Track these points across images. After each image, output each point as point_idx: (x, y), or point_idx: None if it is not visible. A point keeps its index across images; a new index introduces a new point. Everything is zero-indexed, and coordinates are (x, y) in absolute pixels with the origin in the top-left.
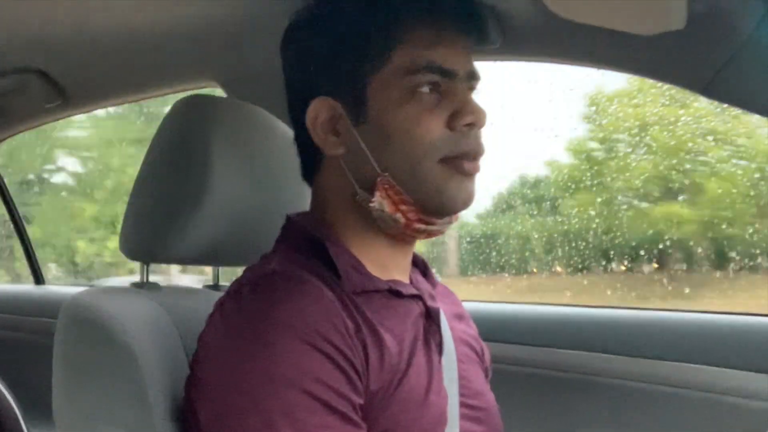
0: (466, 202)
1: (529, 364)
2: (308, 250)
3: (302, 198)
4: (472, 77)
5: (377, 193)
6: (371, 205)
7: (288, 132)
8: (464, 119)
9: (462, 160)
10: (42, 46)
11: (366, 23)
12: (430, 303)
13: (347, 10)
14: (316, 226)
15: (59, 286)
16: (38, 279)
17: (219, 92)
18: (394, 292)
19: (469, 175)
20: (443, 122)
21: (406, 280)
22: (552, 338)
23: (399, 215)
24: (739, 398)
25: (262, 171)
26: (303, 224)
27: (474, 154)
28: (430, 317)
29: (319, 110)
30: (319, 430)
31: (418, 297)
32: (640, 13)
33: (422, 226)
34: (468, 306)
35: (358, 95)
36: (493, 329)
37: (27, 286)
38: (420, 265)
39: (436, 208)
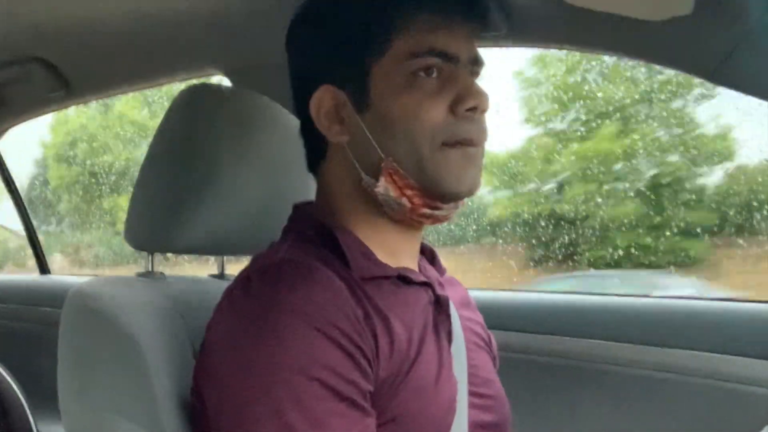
0: (470, 188)
1: (534, 352)
2: (316, 237)
3: (308, 187)
4: (475, 62)
5: (382, 178)
6: (376, 189)
7: (293, 121)
8: (467, 104)
9: (464, 146)
10: (45, 35)
11: (366, 10)
12: (439, 291)
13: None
14: (324, 214)
15: (64, 276)
16: (43, 269)
17: (224, 81)
18: (403, 279)
19: (471, 160)
20: (446, 107)
21: (415, 267)
22: (557, 326)
23: (404, 200)
24: (744, 385)
25: (267, 160)
26: (311, 212)
27: (476, 139)
28: (440, 305)
29: (322, 99)
30: (327, 417)
31: (427, 284)
32: None
33: (428, 211)
34: (473, 294)
35: (361, 82)
36: (497, 317)
37: (32, 276)
38: (427, 254)
39: (439, 193)
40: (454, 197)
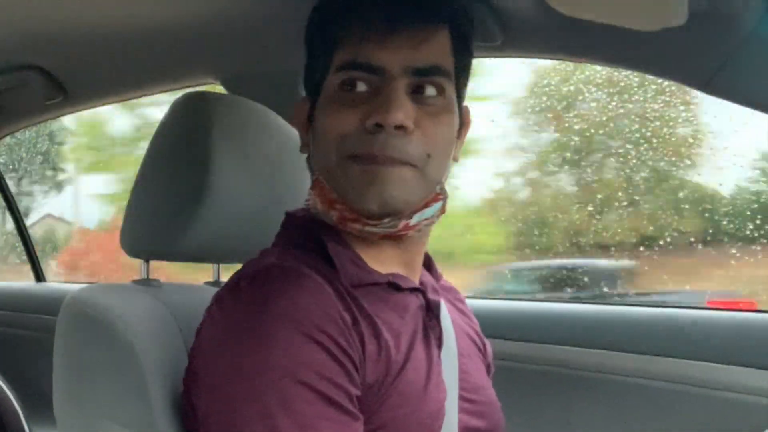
0: (379, 206)
1: (530, 361)
2: (307, 244)
3: (302, 194)
4: (423, 73)
5: (312, 191)
6: (307, 202)
7: (288, 129)
8: (372, 119)
9: (364, 161)
10: (42, 42)
11: (311, 25)
12: (431, 296)
13: (311, 13)
14: (315, 221)
15: (60, 283)
16: (39, 276)
17: (219, 89)
18: (393, 286)
19: (374, 177)
20: (357, 120)
21: (407, 273)
22: (552, 335)
23: (333, 213)
24: (740, 394)
25: (263, 168)
26: (302, 219)
27: (379, 156)
28: (430, 310)
29: (299, 110)
30: (315, 421)
31: (418, 290)
32: (641, 9)
33: (358, 226)
34: (469, 302)
35: (315, 95)
36: (493, 326)
37: (28, 284)
38: (424, 259)
39: (356, 208)
40: (366, 214)
